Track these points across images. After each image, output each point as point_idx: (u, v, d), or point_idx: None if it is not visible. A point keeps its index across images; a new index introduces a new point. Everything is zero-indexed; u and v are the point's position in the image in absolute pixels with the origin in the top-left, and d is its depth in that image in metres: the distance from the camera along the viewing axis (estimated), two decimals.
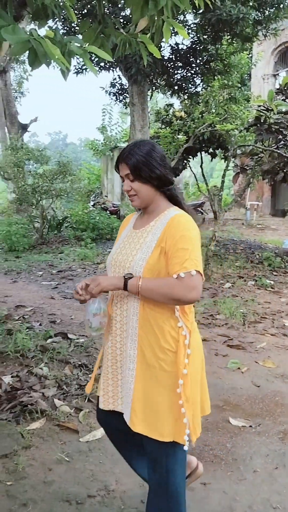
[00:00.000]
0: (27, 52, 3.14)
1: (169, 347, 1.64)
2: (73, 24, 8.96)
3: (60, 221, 12.36)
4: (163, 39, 4.22)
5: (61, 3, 3.60)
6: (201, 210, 15.71)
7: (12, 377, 3.36)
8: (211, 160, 13.72)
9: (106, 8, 6.91)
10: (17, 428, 2.76)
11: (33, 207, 10.73)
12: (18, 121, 17.99)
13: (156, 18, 3.95)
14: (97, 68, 9.89)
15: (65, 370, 3.57)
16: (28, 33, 3.29)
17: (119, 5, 8.01)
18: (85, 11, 8.47)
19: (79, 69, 10.19)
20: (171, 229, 1.64)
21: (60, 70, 3.39)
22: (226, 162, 8.82)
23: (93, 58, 8.71)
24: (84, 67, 10.03)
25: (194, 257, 1.59)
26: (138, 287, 1.60)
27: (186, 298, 1.58)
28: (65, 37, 3.51)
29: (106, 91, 11.09)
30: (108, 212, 13.42)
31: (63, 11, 3.71)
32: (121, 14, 8.54)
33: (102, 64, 9.83)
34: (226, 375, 3.76)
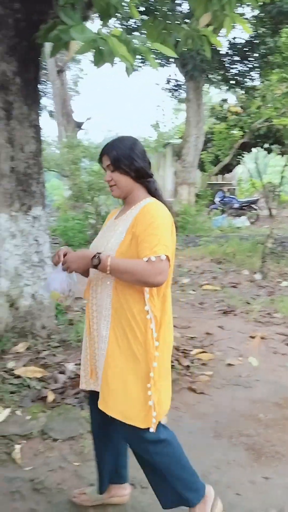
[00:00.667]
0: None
1: (139, 330, 1.70)
2: (130, 22, 9.08)
3: None
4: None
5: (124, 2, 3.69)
6: (255, 207, 15.40)
7: (75, 364, 3.49)
8: (266, 156, 13.41)
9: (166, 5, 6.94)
10: (81, 413, 2.87)
11: (89, 203, 10.97)
12: (73, 120, 18.45)
13: (218, 13, 3.95)
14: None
15: None
16: (95, 33, 3.39)
17: (177, 1, 8.02)
18: (143, 8, 8.55)
19: (135, 67, 10.31)
20: (140, 215, 1.74)
21: (125, 68, 3.49)
22: (287, 157, 8.59)
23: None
24: (140, 65, 10.13)
25: (163, 242, 1.67)
26: (107, 266, 1.66)
27: (153, 280, 1.64)
28: (128, 35, 3.59)
29: (162, 87, 11.13)
30: None
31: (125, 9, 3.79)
32: (180, 10, 8.54)
33: (158, 60, 9.89)
34: (285, 373, 3.71)
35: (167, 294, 1.81)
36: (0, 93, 3.58)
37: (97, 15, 3.93)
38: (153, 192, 1.86)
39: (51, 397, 3.02)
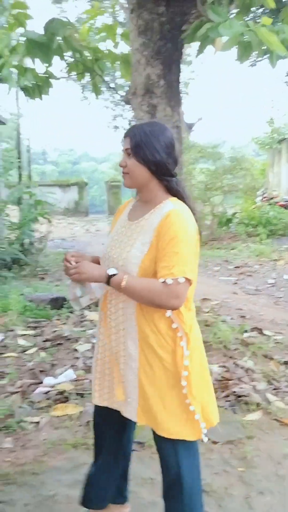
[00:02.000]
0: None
1: (168, 346, 1.59)
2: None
3: (229, 217, 12.35)
4: None
5: None
6: None
7: (219, 367, 3.44)
8: None
9: None
10: (235, 416, 2.80)
11: (206, 204, 10.94)
12: (184, 121, 18.58)
13: None
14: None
15: (270, 365, 3.52)
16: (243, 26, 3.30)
17: None
18: None
19: (253, 61, 10.01)
20: (164, 228, 1.54)
21: (274, 56, 3.34)
22: None
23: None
24: (259, 59, 9.79)
25: (183, 262, 1.49)
26: (122, 285, 1.53)
27: (167, 304, 1.52)
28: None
29: (284, 81, 10.65)
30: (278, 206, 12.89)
31: None
32: None
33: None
34: None
35: (192, 308, 1.67)
36: (145, 97, 3.67)
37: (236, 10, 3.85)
38: (174, 193, 1.62)
39: None
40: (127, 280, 1.52)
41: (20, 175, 9.88)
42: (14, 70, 3.92)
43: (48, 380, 3.36)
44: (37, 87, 3.98)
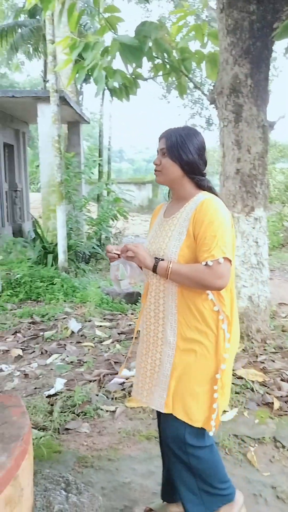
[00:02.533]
0: None
1: (211, 331, 1.63)
2: None
3: None
4: None
5: None
6: None
7: None
8: None
9: None
10: None
11: (285, 204, 10.57)
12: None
13: None
14: None
15: None
16: None
17: None
18: None
19: None
20: (200, 214, 1.62)
21: None
22: None
23: None
24: None
25: (222, 243, 1.56)
26: (168, 269, 1.61)
27: (213, 285, 1.57)
28: None
29: None
30: None
31: None
32: None
33: None
34: None
35: (233, 290, 1.71)
36: (231, 96, 3.64)
37: None
38: (206, 188, 1.73)
39: (277, 404, 2.94)
40: (172, 266, 1.62)
41: (100, 173, 10.22)
42: (103, 72, 4.07)
43: (124, 372, 3.47)
44: (124, 88, 4.10)
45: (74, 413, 2.89)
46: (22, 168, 12.07)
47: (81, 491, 1.57)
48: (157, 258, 1.66)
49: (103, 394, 3.17)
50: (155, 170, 1.77)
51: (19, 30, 15.87)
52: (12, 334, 4.52)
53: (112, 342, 4.21)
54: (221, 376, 1.64)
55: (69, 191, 7.67)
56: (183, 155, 1.68)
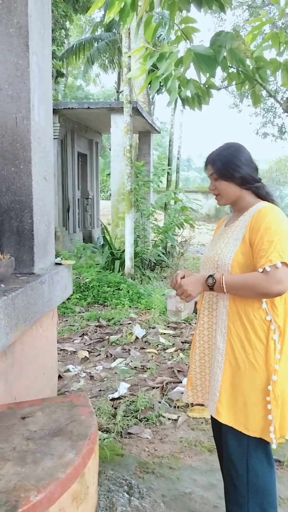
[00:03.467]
0: None
1: (259, 341, 1.60)
2: None
3: None
4: None
5: None
6: None
7: None
8: None
9: None
10: None
11: None
12: None
13: None
14: None
15: None
16: None
17: None
18: None
19: None
20: (256, 222, 1.61)
21: None
22: None
23: None
24: None
25: (280, 248, 1.53)
26: (223, 287, 1.60)
27: (272, 291, 1.53)
28: None
29: None
30: None
31: None
32: None
33: None
34: None
35: None
36: None
37: None
38: (264, 196, 1.74)
39: None
40: (225, 281, 1.60)
41: (168, 182, 10.30)
42: (176, 82, 4.12)
43: (186, 381, 3.45)
44: (197, 98, 4.12)
45: (136, 418, 2.93)
46: (94, 176, 12.49)
47: (143, 495, 1.59)
48: (209, 276, 1.64)
49: (166, 401, 3.18)
50: (215, 195, 1.81)
51: (95, 44, 16.54)
52: (80, 336, 4.67)
53: (176, 351, 4.20)
54: (273, 388, 1.58)
55: (137, 199, 7.81)
56: (234, 172, 1.71)
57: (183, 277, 1.74)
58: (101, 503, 1.55)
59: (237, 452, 1.66)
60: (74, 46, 16.47)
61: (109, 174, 18.39)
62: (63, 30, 15.37)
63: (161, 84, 4.18)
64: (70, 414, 1.58)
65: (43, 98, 2.25)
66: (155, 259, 8.01)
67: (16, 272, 2.16)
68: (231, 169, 1.71)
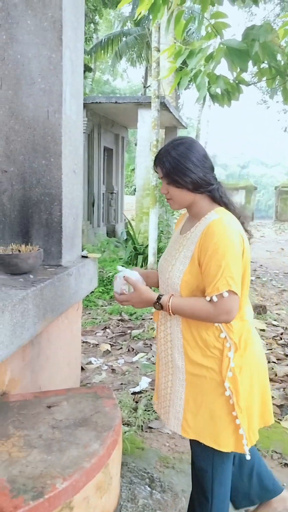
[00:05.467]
0: None
1: (213, 360, 1.55)
2: None
3: None
4: None
5: None
6: None
7: None
8: None
9: None
10: None
11: None
12: None
13: None
14: None
15: None
16: None
17: None
18: None
19: None
20: (205, 240, 1.51)
21: None
22: None
23: None
24: None
25: (227, 274, 1.46)
26: (169, 308, 1.56)
27: (219, 320, 1.50)
28: None
29: None
30: None
31: None
32: None
33: None
34: None
35: (245, 316, 1.60)
36: None
37: None
38: (218, 200, 1.60)
39: None
40: (171, 305, 1.56)
41: None
42: (206, 78, 4.08)
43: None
44: (226, 94, 4.07)
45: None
46: (119, 171, 12.53)
47: (165, 489, 1.60)
48: (156, 302, 1.61)
49: None
50: (167, 199, 1.68)
51: (124, 38, 16.53)
52: (102, 329, 4.71)
53: None
54: (236, 401, 1.53)
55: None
56: (184, 178, 1.55)
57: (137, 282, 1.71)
58: (123, 495, 1.56)
59: (203, 463, 1.65)
60: (103, 40, 16.52)
61: (133, 169, 18.42)
62: (92, 24, 15.42)
63: (190, 80, 4.16)
64: (94, 405, 1.60)
65: (74, 91, 2.26)
66: None
67: (44, 264, 2.20)
68: (181, 174, 1.55)
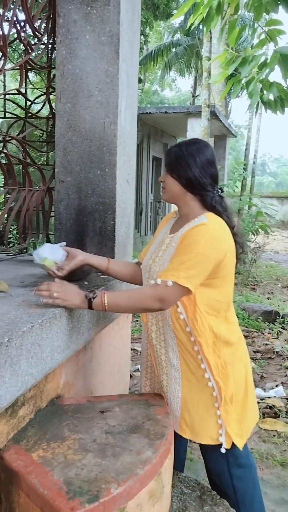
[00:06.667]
0: None
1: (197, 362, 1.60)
2: None
3: None
4: None
5: None
6: None
7: None
8: None
9: None
10: None
11: None
12: None
13: None
14: None
15: None
16: None
17: None
18: None
19: None
20: (185, 237, 1.53)
21: None
22: None
23: None
24: None
25: (185, 269, 1.46)
26: (104, 305, 1.51)
27: (151, 308, 1.53)
28: None
29: None
30: None
31: None
32: None
33: None
34: None
35: (230, 315, 1.67)
36: None
37: None
38: (209, 207, 1.60)
39: None
40: (107, 300, 1.50)
41: (242, 186, 10.10)
42: (259, 85, 4.04)
43: (258, 391, 3.36)
44: (280, 101, 4.01)
45: None
46: None
47: (217, 502, 1.57)
48: (87, 296, 1.51)
49: None
50: (162, 188, 1.72)
51: (173, 49, 16.70)
52: None
53: None
54: (218, 393, 1.59)
55: None
56: (182, 171, 1.60)
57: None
58: (174, 505, 1.55)
59: (217, 463, 1.68)
60: (153, 52, 16.77)
61: None
62: (142, 36, 15.70)
63: (242, 87, 4.13)
64: (146, 412, 1.61)
65: (129, 103, 2.32)
66: None
67: (97, 271, 2.24)
68: (180, 166, 1.61)
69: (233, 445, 1.63)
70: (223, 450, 1.63)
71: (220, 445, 1.63)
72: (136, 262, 1.95)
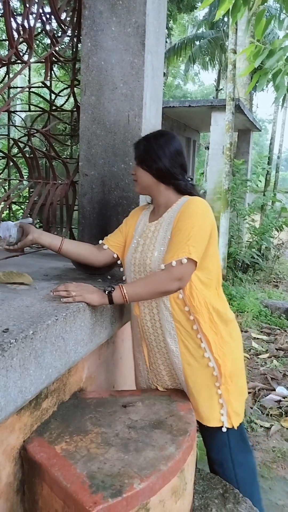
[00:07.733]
0: None
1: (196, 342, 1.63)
2: None
3: None
4: None
5: None
6: None
7: None
8: None
9: None
10: None
11: None
12: None
13: None
14: None
15: None
16: None
17: None
18: None
19: None
20: (182, 213, 1.58)
21: None
22: None
23: None
24: None
25: (191, 243, 1.50)
26: (124, 296, 1.50)
27: (171, 289, 1.53)
28: None
29: None
30: None
31: None
32: None
33: None
34: None
35: (220, 293, 1.70)
36: None
37: None
38: (185, 192, 1.67)
39: None
40: (127, 291, 1.51)
41: (266, 181, 9.95)
42: (286, 78, 3.95)
43: (281, 389, 3.31)
44: None
45: None
46: (190, 175, 12.50)
47: (239, 500, 1.55)
48: (106, 291, 1.51)
49: (258, 408, 3.08)
50: (133, 180, 1.76)
51: (197, 42, 16.50)
52: None
53: (270, 357, 4.05)
54: (218, 372, 1.62)
55: (234, 198, 7.65)
56: (151, 163, 1.65)
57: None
58: (196, 502, 1.54)
59: (221, 450, 1.71)
60: (176, 45, 16.61)
61: (202, 173, 18.26)
62: (166, 29, 15.56)
63: (268, 80, 4.04)
64: (169, 408, 1.60)
65: (154, 95, 2.29)
66: (248, 261, 7.79)
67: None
68: (149, 158, 1.65)
69: (234, 430, 1.68)
70: (224, 430, 1.67)
71: (222, 427, 1.67)
72: (100, 243, 1.87)
